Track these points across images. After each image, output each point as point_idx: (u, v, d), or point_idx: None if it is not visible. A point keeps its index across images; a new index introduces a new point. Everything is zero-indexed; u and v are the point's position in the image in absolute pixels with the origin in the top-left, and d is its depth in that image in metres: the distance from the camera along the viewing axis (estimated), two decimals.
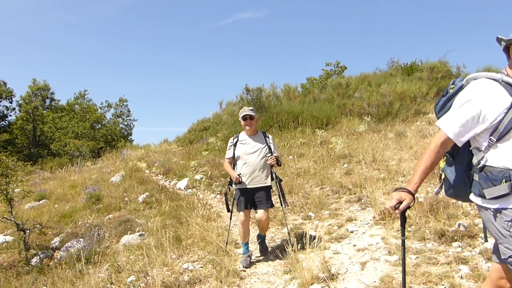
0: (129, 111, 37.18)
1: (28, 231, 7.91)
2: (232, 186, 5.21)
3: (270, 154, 5.07)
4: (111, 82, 76.27)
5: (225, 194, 5.44)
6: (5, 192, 8.06)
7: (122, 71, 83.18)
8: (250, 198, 5.04)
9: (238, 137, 5.23)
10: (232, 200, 5.36)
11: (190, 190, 10.06)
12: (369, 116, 12.99)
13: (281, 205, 5.34)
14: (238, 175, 4.90)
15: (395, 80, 16.35)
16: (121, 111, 36.66)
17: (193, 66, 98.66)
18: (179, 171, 11.95)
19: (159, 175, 12.90)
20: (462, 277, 3.66)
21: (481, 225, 4.68)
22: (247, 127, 5.13)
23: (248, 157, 5.03)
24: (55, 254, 7.77)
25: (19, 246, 7.93)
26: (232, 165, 5.26)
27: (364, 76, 19.34)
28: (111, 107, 36.29)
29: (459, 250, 4.23)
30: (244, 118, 5.11)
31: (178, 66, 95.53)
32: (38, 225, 8.16)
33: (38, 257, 7.57)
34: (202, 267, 5.16)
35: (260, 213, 5.03)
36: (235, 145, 5.16)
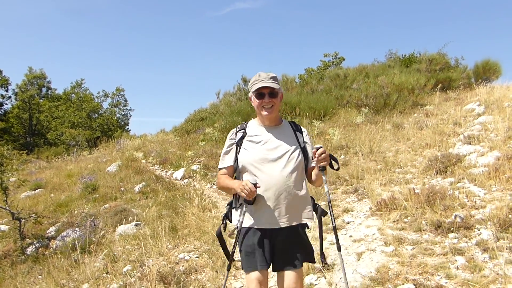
0: (126, 101, 37.02)
1: (23, 220, 7.88)
2: (230, 218, 2.80)
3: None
4: (108, 72, 75.85)
5: (219, 236, 2.89)
6: (0, 181, 8.01)
7: (119, 61, 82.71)
8: (269, 248, 2.66)
9: (245, 129, 2.83)
10: (233, 245, 2.77)
11: (186, 180, 10.04)
12: (367, 107, 12.95)
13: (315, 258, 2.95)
14: (254, 185, 2.48)
15: (393, 71, 16.27)
16: (118, 100, 36.49)
17: (191, 56, 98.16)
18: (176, 161, 11.91)
19: (155, 165, 12.86)
20: (458, 268, 3.66)
21: (477, 217, 4.69)
22: (265, 112, 2.71)
23: (266, 167, 2.64)
24: (50, 243, 7.75)
25: (14, 235, 7.91)
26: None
27: (362, 68, 19.26)
28: (107, 97, 36.10)
29: (455, 241, 4.23)
30: (260, 94, 2.69)
31: (175, 56, 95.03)
32: (33, 214, 8.13)
33: (34, 246, 7.55)
34: (198, 257, 5.16)
35: (290, 278, 2.63)
36: (239, 144, 2.78)
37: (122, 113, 36.89)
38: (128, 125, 36.87)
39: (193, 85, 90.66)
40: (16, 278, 6.13)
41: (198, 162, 11.05)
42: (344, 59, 24.59)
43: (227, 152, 2.77)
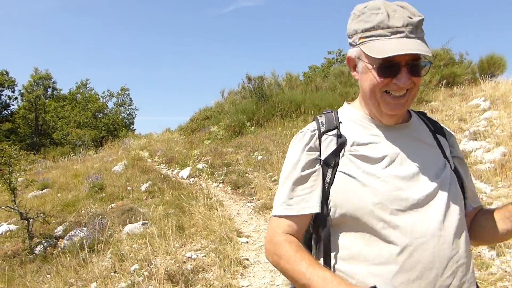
0: (131, 100, 37.14)
1: (31, 220, 7.95)
2: None
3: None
4: (113, 71, 76.07)
5: None
6: (8, 181, 8.08)
7: (123, 60, 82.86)
8: None
9: (338, 128, 1.30)
10: None
11: (192, 179, 10.08)
12: None
13: None
14: None
15: None
16: (123, 100, 36.62)
17: (195, 55, 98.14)
18: (182, 160, 11.96)
19: (161, 164, 12.91)
20: None
21: None
22: (390, 105, 1.23)
23: (405, 221, 1.14)
24: (58, 242, 7.82)
25: (23, 235, 7.99)
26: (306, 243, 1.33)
27: None
28: (113, 96, 36.24)
29: None
30: (389, 66, 1.18)
31: (179, 54, 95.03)
32: (41, 214, 8.20)
33: (42, 246, 7.62)
34: (205, 256, 5.19)
35: None
36: (330, 163, 1.24)
37: (127, 112, 37.02)
38: (133, 125, 37.01)
39: (198, 84, 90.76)
40: (25, 277, 6.19)
41: (204, 161, 11.09)
42: None
43: (301, 180, 1.25)
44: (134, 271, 5.05)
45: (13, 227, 8.92)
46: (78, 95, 36.01)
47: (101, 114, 32.43)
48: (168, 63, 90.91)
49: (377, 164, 1.21)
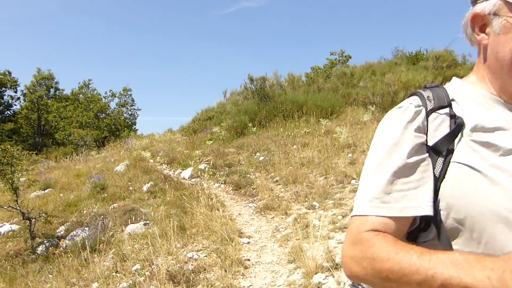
0: (133, 101, 37.19)
1: (33, 219, 7.96)
2: None
3: None
4: (115, 72, 76.23)
5: None
6: (10, 181, 8.09)
7: (125, 60, 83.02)
8: None
9: (450, 106, 0.96)
10: None
11: (194, 179, 10.09)
12: (374, 105, 12.94)
13: None
14: None
15: (400, 69, 16.22)
16: (125, 100, 36.68)
17: (197, 55, 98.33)
18: (183, 161, 11.97)
19: (163, 165, 12.93)
20: None
21: None
22: None
23: None
24: (60, 242, 7.83)
25: (25, 235, 8.01)
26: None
27: (368, 65, 19.19)
28: (115, 97, 36.31)
29: None
30: None
31: (182, 55, 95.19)
32: (43, 214, 8.22)
33: (44, 246, 7.63)
34: (206, 256, 5.19)
35: None
36: (443, 151, 0.91)
37: (130, 112, 37.08)
38: (135, 125, 37.07)
39: (200, 84, 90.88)
40: (27, 277, 6.20)
41: (206, 161, 11.09)
42: (350, 57, 24.56)
43: (405, 170, 0.91)
44: (136, 271, 5.06)
45: (15, 227, 8.94)
46: (81, 95, 36.11)
47: (103, 114, 32.50)
48: (170, 64, 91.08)
49: (509, 157, 0.87)
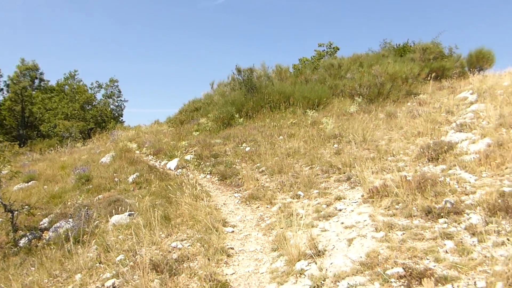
0: (119, 92, 36.69)
1: (16, 212, 7.83)
2: None
3: None
4: (102, 63, 75.25)
5: None
6: None
7: (112, 51, 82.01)
8: None
9: None
10: None
11: (180, 170, 10.03)
12: (360, 96, 12.95)
13: None
14: None
15: (387, 61, 16.26)
16: (111, 91, 36.18)
17: (185, 46, 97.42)
18: (170, 152, 11.89)
19: (149, 156, 12.83)
20: (447, 252, 3.69)
21: (467, 202, 4.72)
22: None
23: None
24: (43, 234, 7.72)
25: (7, 228, 7.87)
26: None
27: (356, 57, 19.22)
28: (101, 88, 35.76)
29: (445, 226, 4.26)
30: None
31: (170, 46, 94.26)
32: (26, 206, 8.09)
33: (27, 238, 7.52)
34: (190, 245, 5.17)
35: None
36: None
37: (116, 104, 36.59)
38: (122, 116, 36.66)
39: (188, 76, 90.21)
40: (8, 270, 6.11)
41: (192, 152, 11.03)
42: (338, 49, 24.51)
43: None
44: (119, 262, 5.02)
45: None
46: (66, 86, 35.51)
47: (89, 105, 32.03)
48: (158, 55, 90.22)
49: None
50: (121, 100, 37.03)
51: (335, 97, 14.06)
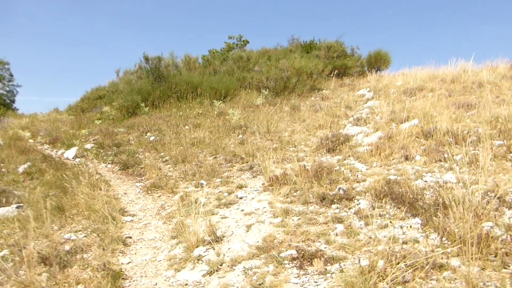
0: (11, 76, 33.50)
1: None
2: None
3: None
4: None
5: None
6: None
7: (7, 30, 74.44)
8: None
9: None
10: None
11: (79, 159, 9.46)
12: (267, 89, 13.27)
13: None
14: None
15: (294, 56, 16.84)
16: (1, 74, 32.95)
17: (90, 35, 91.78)
18: (68, 140, 11.14)
19: (44, 145, 11.90)
20: (337, 234, 3.94)
21: (358, 189, 5.09)
22: None
23: None
24: None
25: None
26: None
27: (265, 51, 19.63)
28: None
29: (337, 211, 4.54)
30: None
31: (72, 33, 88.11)
32: None
33: None
34: (85, 236, 4.90)
35: None
36: None
37: (7, 89, 33.34)
38: (14, 103, 33.50)
39: (93, 64, 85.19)
40: None
41: (93, 141, 10.46)
42: (248, 42, 24.78)
43: None
44: (2, 257, 4.58)
45: None
46: None
47: None
48: (65, 43, 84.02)
49: None
50: (13, 85, 33.76)
51: (242, 89, 14.24)
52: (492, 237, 3.45)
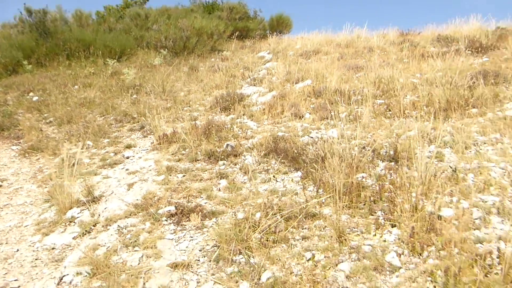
0: None
1: None
2: None
3: None
4: None
5: None
6: None
7: None
8: None
9: None
10: None
11: None
12: (166, 49, 12.74)
13: None
14: None
15: (195, 16, 16.33)
16: None
17: None
18: None
19: None
20: (219, 190, 3.92)
21: (246, 146, 5.11)
22: None
23: None
24: None
25: None
26: None
27: (165, 9, 18.75)
28: None
29: (223, 167, 4.52)
30: None
31: None
32: None
33: None
34: None
35: None
36: None
37: None
38: None
39: None
40: None
41: None
42: (148, 0, 23.50)
43: None
44: None
45: None
46: None
47: None
48: None
49: None
50: None
51: (140, 48, 13.52)
52: (363, 186, 3.67)
